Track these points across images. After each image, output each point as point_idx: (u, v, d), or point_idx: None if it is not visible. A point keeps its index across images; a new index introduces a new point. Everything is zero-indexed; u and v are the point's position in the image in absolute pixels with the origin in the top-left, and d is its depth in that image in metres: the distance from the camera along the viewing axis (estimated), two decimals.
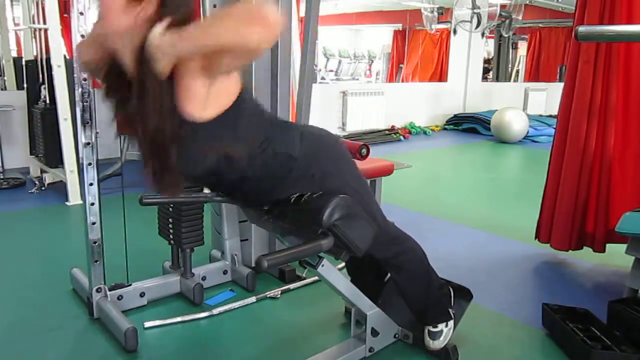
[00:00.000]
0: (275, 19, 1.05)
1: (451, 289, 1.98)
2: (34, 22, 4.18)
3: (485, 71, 10.94)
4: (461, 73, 9.25)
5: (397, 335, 1.96)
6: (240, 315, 2.24)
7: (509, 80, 11.66)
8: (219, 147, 1.27)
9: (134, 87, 1.18)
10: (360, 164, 2.31)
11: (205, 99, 1.19)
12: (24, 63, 4.53)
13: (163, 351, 1.96)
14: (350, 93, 7.39)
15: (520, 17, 8.35)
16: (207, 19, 1.19)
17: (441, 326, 1.86)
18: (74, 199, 3.77)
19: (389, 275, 2.00)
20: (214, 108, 1.22)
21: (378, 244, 1.60)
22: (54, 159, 4.00)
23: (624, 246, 2.22)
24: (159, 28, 1.11)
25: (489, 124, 7.62)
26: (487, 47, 11.11)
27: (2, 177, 4.41)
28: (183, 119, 1.19)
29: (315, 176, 1.47)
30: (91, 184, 2.02)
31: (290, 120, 2.68)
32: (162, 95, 1.15)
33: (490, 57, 11.79)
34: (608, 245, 2.70)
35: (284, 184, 1.45)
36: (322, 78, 11.55)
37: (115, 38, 1.18)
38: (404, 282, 1.81)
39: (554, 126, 2.93)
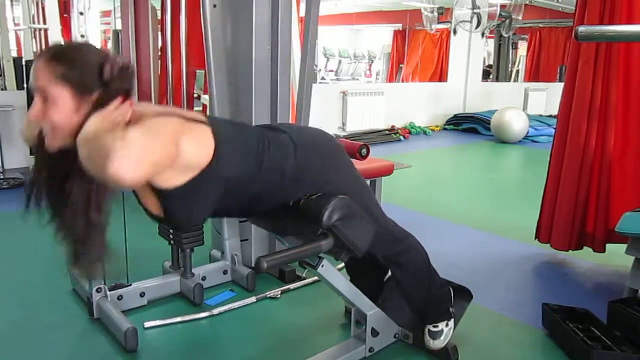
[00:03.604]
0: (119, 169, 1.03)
1: (451, 289, 1.97)
2: (34, 22, 4.18)
3: (486, 74, 10.93)
4: (461, 73, 9.25)
5: (397, 335, 1.96)
6: (240, 315, 2.24)
7: (509, 80, 11.65)
8: (204, 204, 1.30)
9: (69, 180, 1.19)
10: (360, 164, 2.32)
11: (166, 175, 1.20)
12: (24, 63, 4.53)
13: (163, 351, 1.96)
14: (350, 93, 7.39)
15: (520, 17, 8.35)
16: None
17: (441, 326, 1.86)
18: None
19: (389, 274, 2.00)
20: (182, 177, 1.22)
21: (379, 242, 1.60)
22: None
23: (624, 246, 2.23)
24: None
25: (489, 124, 7.62)
26: (487, 48, 11.11)
27: (2, 177, 4.41)
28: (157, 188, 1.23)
29: (315, 178, 1.46)
30: None
31: (290, 121, 2.68)
32: (85, 193, 1.21)
33: (490, 65, 11.75)
34: (608, 245, 2.70)
35: (285, 191, 1.43)
36: (322, 78, 11.54)
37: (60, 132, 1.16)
38: (406, 279, 1.82)
39: (554, 126, 2.93)
